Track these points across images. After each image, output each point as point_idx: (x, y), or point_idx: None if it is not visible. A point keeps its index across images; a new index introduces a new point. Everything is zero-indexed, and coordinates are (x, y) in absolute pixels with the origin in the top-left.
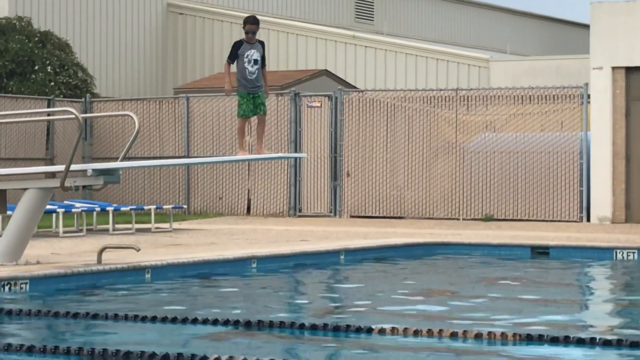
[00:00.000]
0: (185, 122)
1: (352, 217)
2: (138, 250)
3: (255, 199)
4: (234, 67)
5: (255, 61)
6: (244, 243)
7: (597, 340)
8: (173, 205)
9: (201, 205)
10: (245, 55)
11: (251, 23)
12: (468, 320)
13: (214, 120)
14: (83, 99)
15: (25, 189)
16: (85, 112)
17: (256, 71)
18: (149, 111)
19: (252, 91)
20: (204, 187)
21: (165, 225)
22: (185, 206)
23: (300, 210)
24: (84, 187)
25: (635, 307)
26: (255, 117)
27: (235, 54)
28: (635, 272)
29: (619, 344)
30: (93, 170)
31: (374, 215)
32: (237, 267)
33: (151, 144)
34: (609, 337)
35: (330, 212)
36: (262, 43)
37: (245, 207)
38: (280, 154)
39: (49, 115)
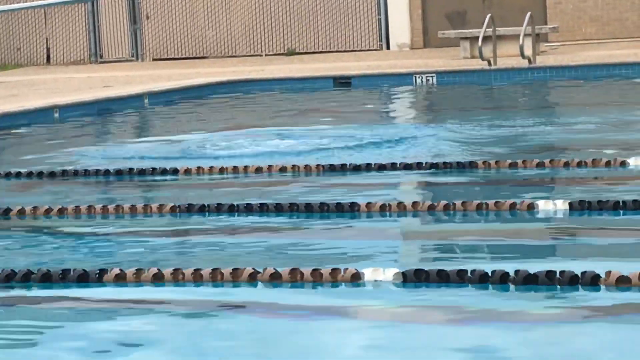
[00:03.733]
0: None
1: (154, 60)
2: None
3: (54, 48)
4: None
5: None
6: (46, 93)
7: (398, 165)
8: None
9: None
10: None
11: None
12: (273, 155)
13: None
14: None
15: None
16: None
17: None
18: None
19: None
20: None
21: None
22: None
23: (101, 57)
24: None
25: (435, 128)
26: None
27: None
28: (434, 95)
29: (419, 167)
30: None
31: (177, 57)
32: (39, 117)
33: None
34: (409, 162)
35: (132, 56)
36: None
37: (45, 56)
38: None
39: None
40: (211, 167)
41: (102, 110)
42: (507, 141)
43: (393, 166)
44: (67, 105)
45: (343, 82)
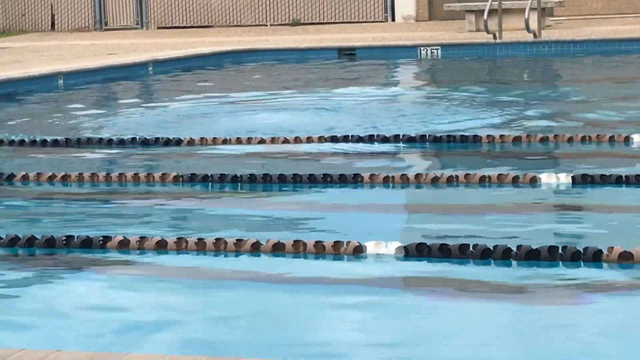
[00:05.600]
0: None
1: (159, 28)
2: None
3: (59, 14)
4: None
5: None
6: (50, 59)
7: (401, 138)
8: None
9: (3, 23)
10: None
11: None
12: (276, 126)
13: None
14: None
15: None
16: None
17: None
18: None
19: None
20: (4, 3)
21: None
22: None
23: (106, 24)
24: None
25: (438, 101)
26: None
27: None
28: (438, 67)
29: (422, 140)
30: None
31: (181, 25)
32: (43, 84)
33: None
34: (413, 134)
35: (137, 24)
36: None
37: (50, 22)
38: None
39: None
40: (214, 138)
41: (107, 78)
42: (511, 115)
43: (396, 138)
44: (71, 72)
45: (347, 53)
